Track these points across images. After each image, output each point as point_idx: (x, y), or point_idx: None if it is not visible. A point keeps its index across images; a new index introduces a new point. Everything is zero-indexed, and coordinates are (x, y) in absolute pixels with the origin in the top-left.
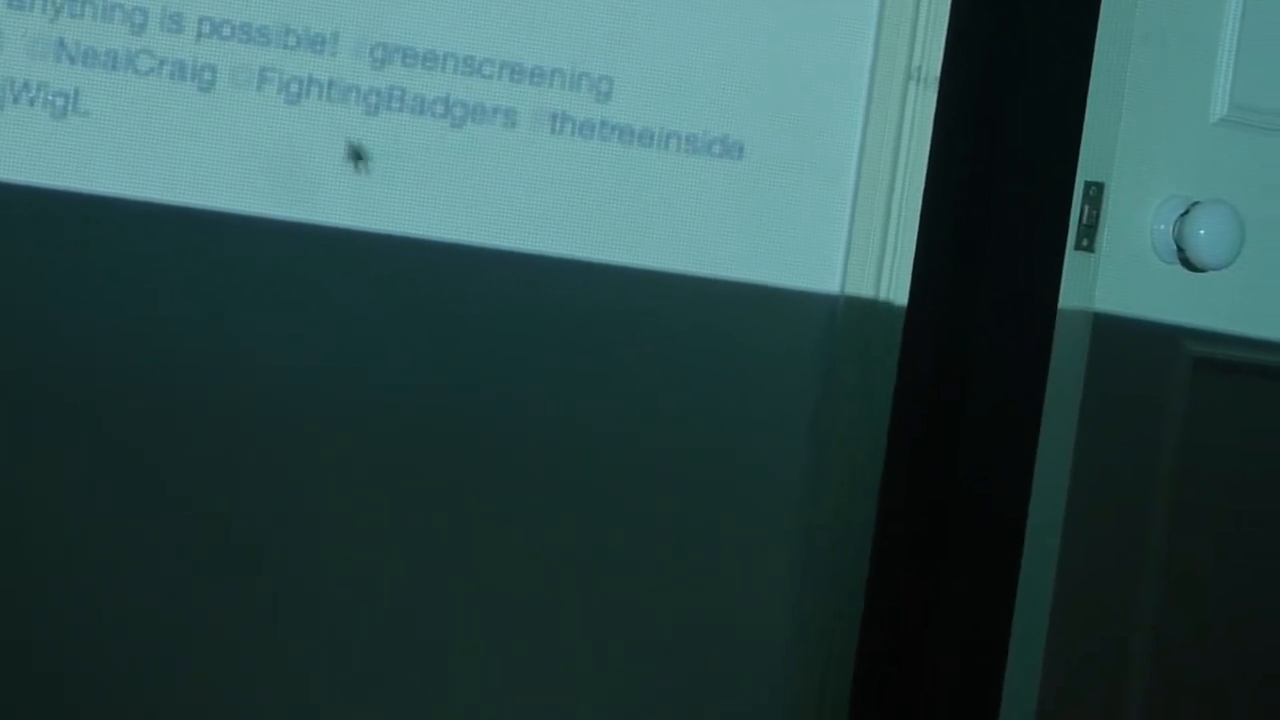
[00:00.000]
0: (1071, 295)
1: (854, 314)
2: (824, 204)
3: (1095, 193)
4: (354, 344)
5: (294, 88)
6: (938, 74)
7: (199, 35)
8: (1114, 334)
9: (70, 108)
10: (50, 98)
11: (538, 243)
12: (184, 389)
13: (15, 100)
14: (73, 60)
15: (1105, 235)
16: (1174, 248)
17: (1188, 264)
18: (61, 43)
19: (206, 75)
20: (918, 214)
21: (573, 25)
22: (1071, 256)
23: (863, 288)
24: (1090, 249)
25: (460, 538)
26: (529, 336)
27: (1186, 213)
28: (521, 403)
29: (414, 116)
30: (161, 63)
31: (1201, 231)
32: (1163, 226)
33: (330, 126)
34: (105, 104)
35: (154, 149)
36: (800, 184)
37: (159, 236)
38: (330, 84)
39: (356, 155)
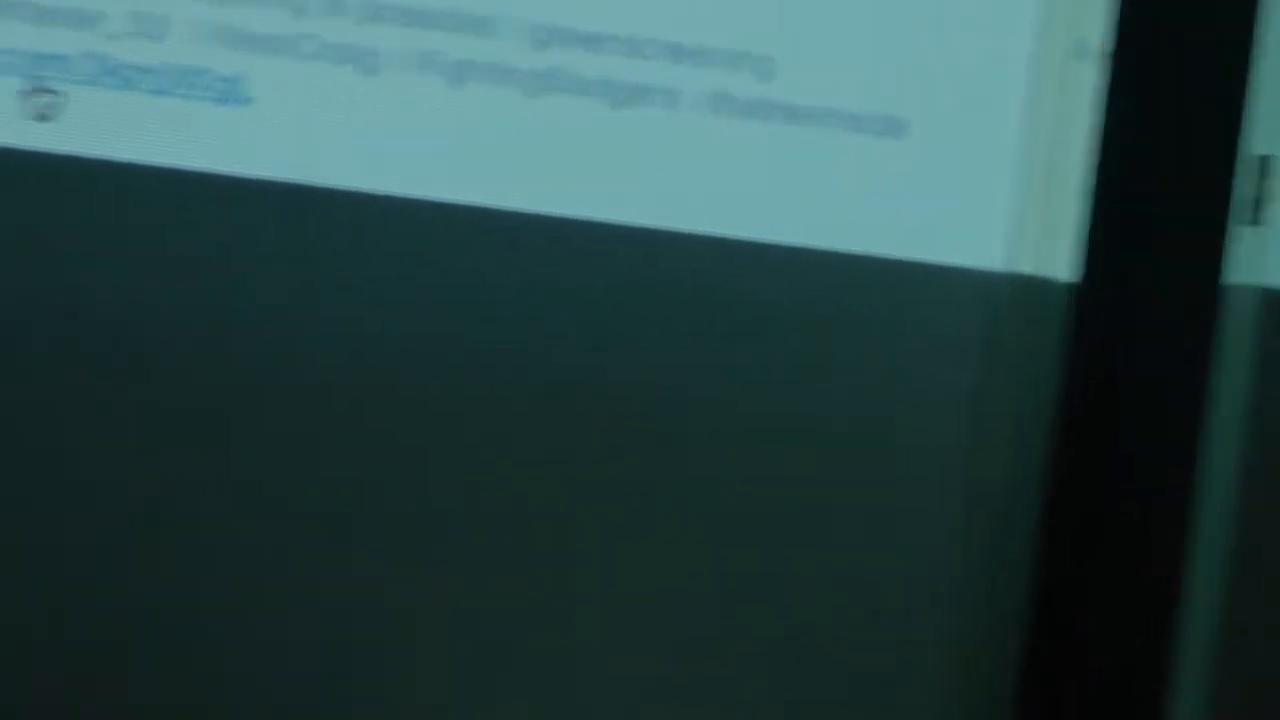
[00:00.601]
0: (1242, 271)
1: (1017, 293)
2: (987, 181)
3: (1266, 165)
4: (523, 329)
5: (456, 70)
6: (1102, 47)
7: (361, 18)
8: None
9: (233, 93)
10: (214, 83)
11: (700, 223)
12: (359, 374)
13: (179, 86)
14: (236, 45)
15: (1278, 209)
16: None
17: None
18: (225, 28)
19: (369, 59)
20: (1082, 190)
21: (734, 4)
22: (1241, 231)
23: (1025, 265)
24: (1260, 223)
25: (640, 520)
26: (692, 318)
27: None
28: (685, 384)
29: (575, 98)
30: (324, 46)
31: None
32: None
33: (492, 109)
34: (268, 89)
35: (317, 133)
36: (964, 161)
37: (323, 220)
38: (492, 66)
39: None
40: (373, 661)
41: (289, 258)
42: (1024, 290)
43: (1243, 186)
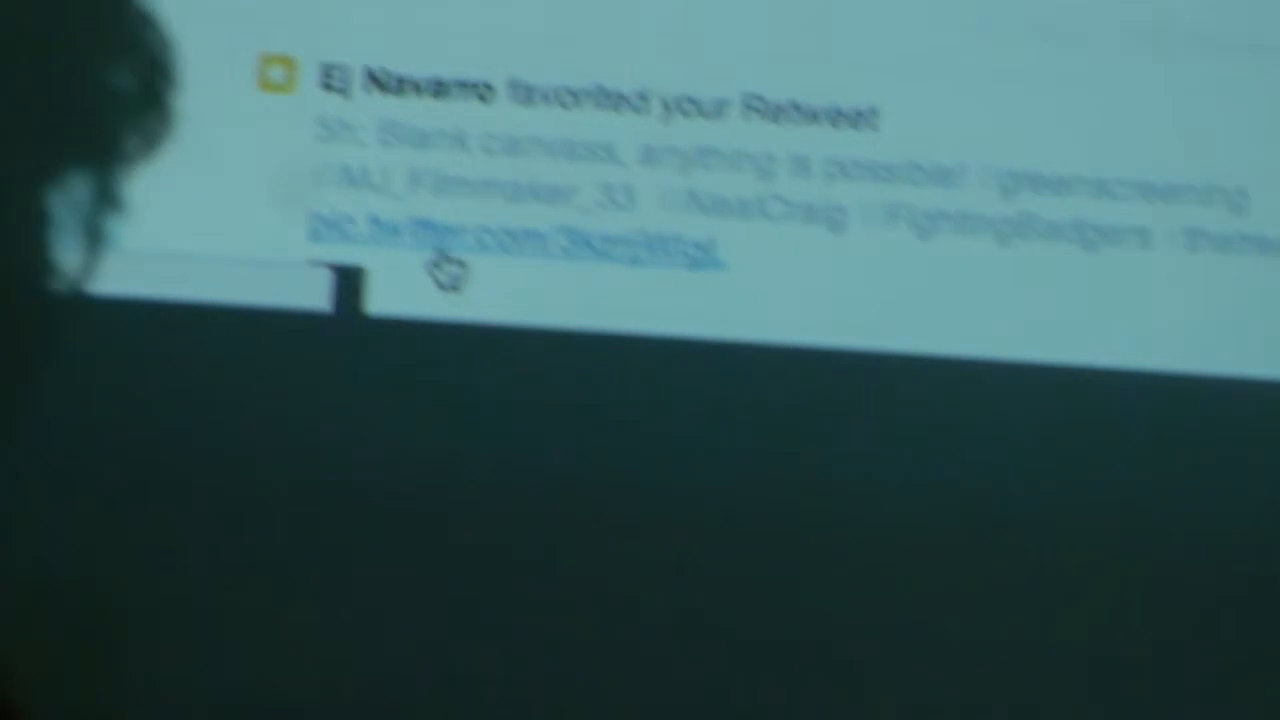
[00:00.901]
0: None
1: None
2: None
3: None
4: (1018, 477)
5: (924, 222)
6: None
7: (827, 177)
8: None
9: (706, 258)
10: (686, 249)
11: (1173, 361)
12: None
13: (652, 253)
14: (705, 210)
15: None
16: None
17: None
18: (693, 194)
19: (837, 215)
20: None
21: (1204, 139)
22: None
23: None
24: None
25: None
26: (1183, 457)
27: None
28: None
29: (1046, 243)
30: (792, 206)
31: None
32: None
33: (961, 258)
34: (739, 252)
35: (787, 294)
36: None
37: (797, 380)
38: (960, 216)
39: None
40: None
41: (770, 420)
42: None
43: None
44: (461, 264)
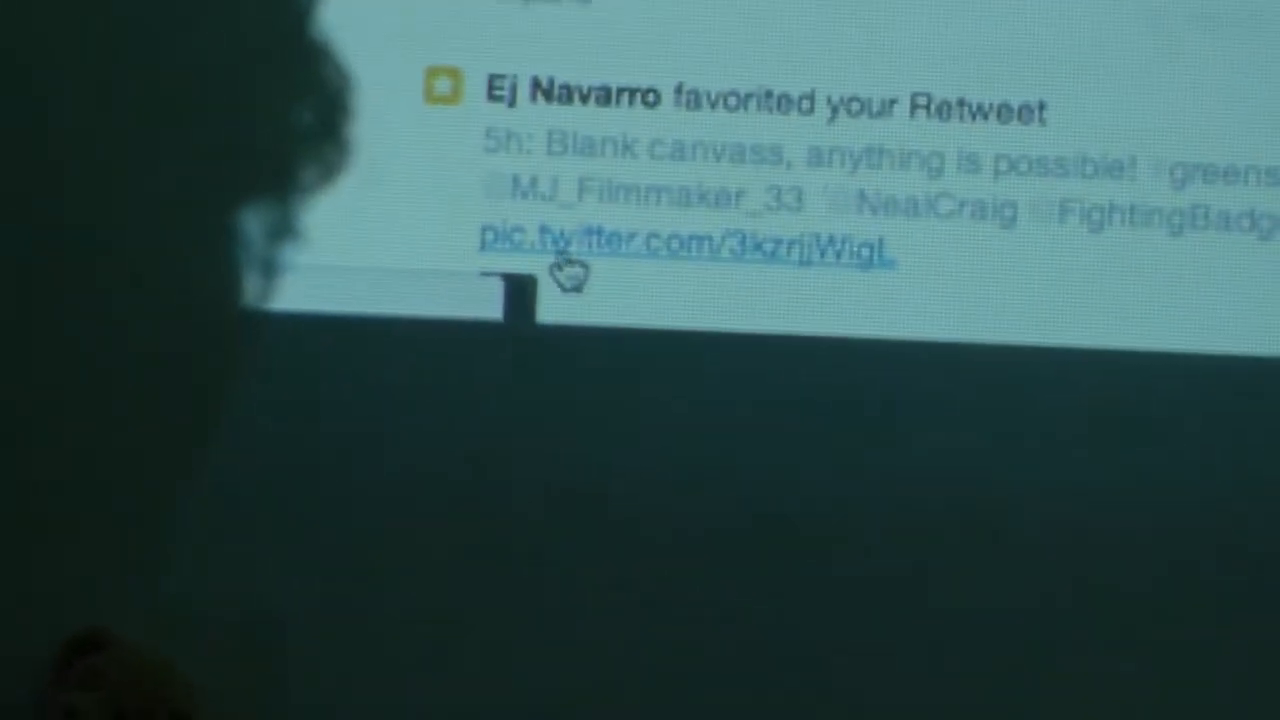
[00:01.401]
0: None
1: None
2: None
3: None
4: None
5: (1095, 216)
6: None
7: (996, 173)
8: None
9: (876, 258)
10: (856, 249)
11: None
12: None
13: (823, 255)
14: (874, 210)
15: None
16: None
17: None
18: (862, 194)
19: (1007, 212)
20: None
21: None
22: None
23: None
24: None
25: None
26: None
27: None
28: None
29: (1219, 233)
30: (962, 204)
31: None
32: None
33: (1134, 251)
34: (909, 251)
35: (959, 291)
36: None
37: (973, 377)
38: (1132, 209)
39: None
40: None
41: (945, 417)
42: None
43: None
44: (584, 265)
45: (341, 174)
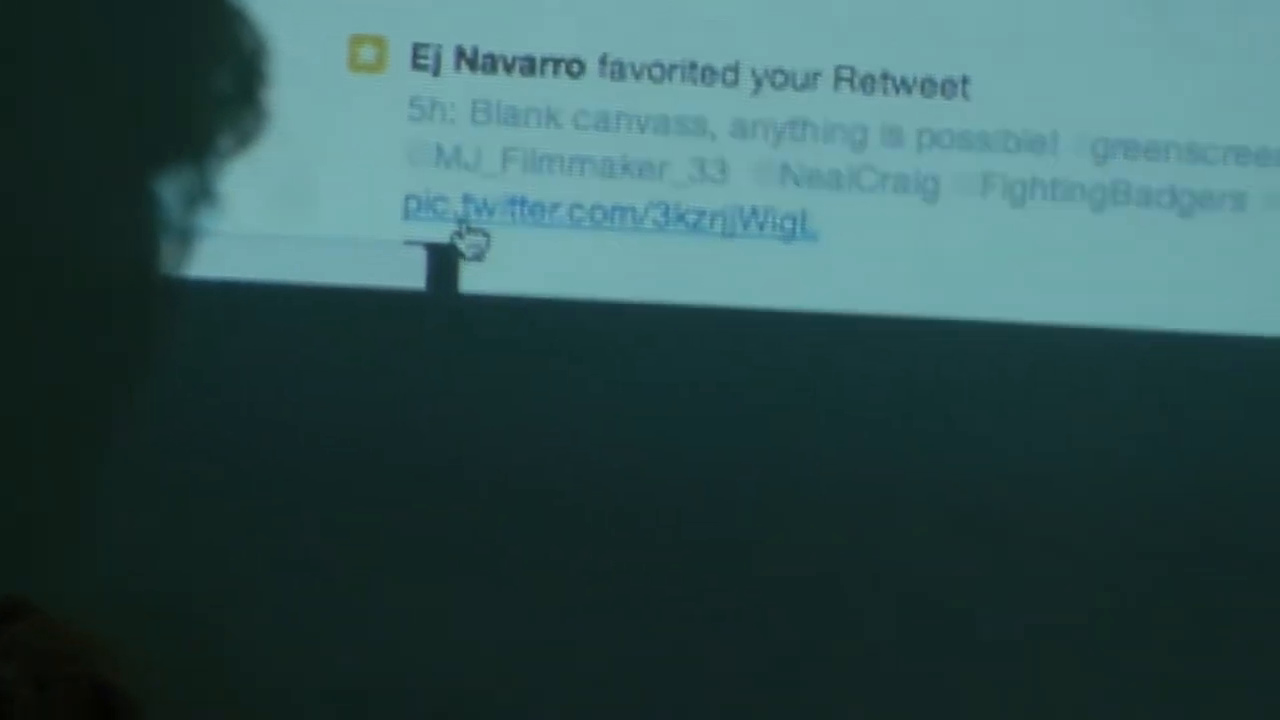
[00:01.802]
0: None
1: None
2: None
3: None
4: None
5: (1018, 190)
6: None
7: (919, 146)
8: None
9: (799, 230)
10: (779, 221)
11: (1267, 325)
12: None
13: (746, 227)
14: (798, 183)
15: None
16: None
17: None
18: (786, 167)
19: (930, 185)
20: None
21: None
22: None
23: None
24: None
25: None
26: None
27: None
28: None
29: (1140, 209)
30: (885, 177)
31: None
32: None
33: (1055, 226)
34: (832, 224)
35: (881, 264)
36: None
37: (890, 351)
38: (1054, 184)
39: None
40: None
41: (865, 390)
42: None
43: None
44: (485, 234)
45: (259, 140)
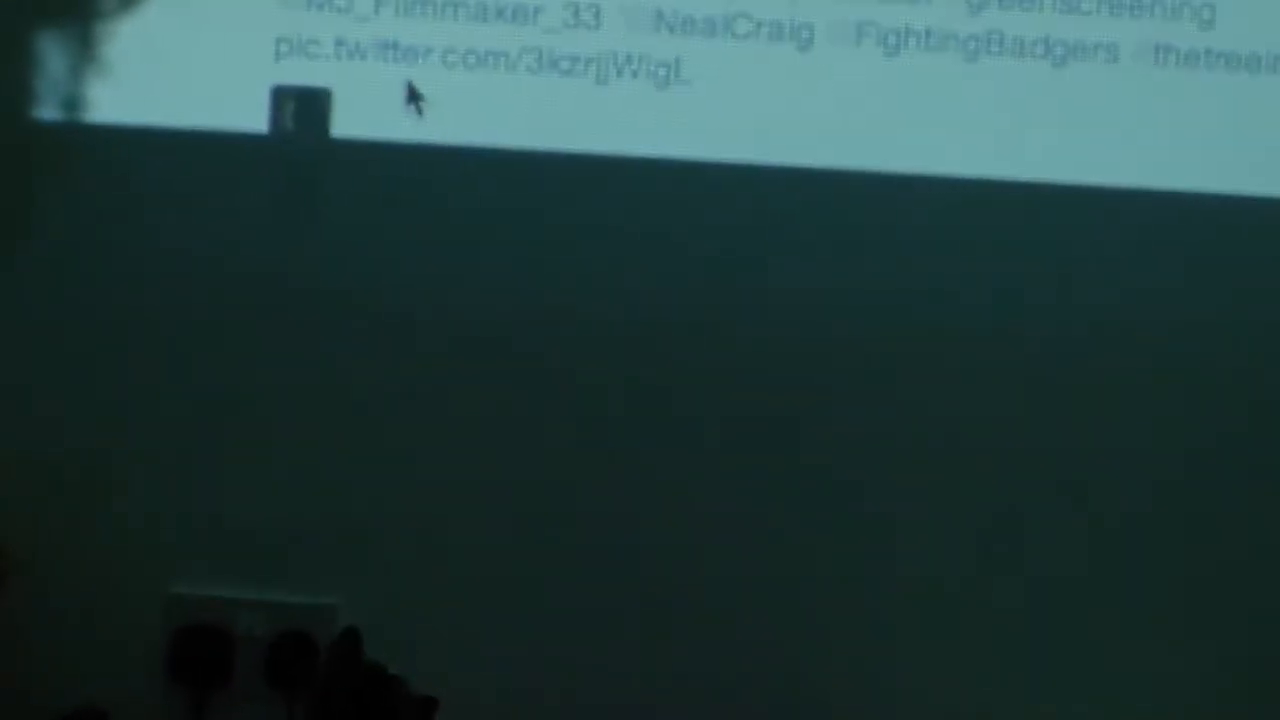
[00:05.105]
0: None
1: None
2: None
3: None
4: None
5: (892, 40)
6: None
7: None
8: None
9: (672, 77)
10: (653, 68)
11: (1117, 175)
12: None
13: (619, 73)
14: (672, 30)
15: None
16: None
17: None
18: (660, 13)
19: (804, 34)
20: None
21: None
22: None
23: None
24: None
25: None
26: (1155, 274)
27: None
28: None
29: (1015, 60)
30: (759, 25)
31: None
32: None
33: (930, 76)
34: (706, 71)
35: (755, 111)
36: None
37: (758, 197)
38: (928, 33)
39: (414, 97)
40: None
41: (736, 237)
42: None
43: None
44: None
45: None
